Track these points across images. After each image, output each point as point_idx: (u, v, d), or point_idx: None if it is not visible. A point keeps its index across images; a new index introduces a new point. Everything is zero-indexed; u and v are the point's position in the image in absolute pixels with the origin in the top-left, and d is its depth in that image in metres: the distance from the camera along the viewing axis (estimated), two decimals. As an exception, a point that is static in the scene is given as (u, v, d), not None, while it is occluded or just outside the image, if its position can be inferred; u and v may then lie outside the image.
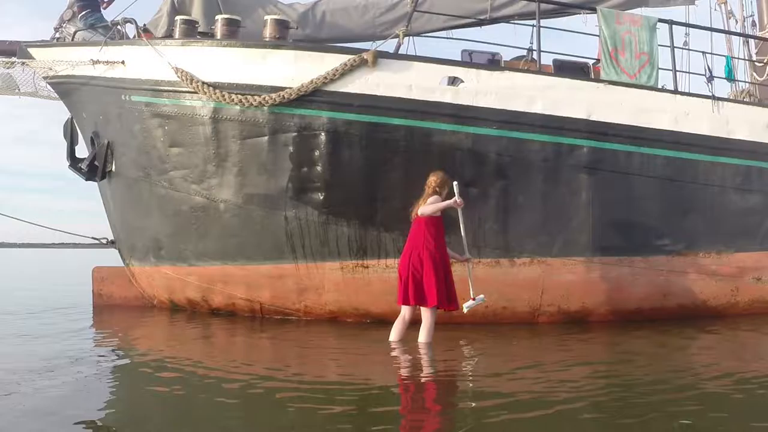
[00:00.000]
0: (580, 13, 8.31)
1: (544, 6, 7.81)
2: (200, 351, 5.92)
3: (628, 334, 6.71)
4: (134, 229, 8.39)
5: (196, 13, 7.95)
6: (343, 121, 6.96)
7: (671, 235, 7.57)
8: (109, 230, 9.16)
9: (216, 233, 7.52)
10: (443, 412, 3.89)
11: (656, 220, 7.55)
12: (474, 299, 6.07)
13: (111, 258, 9.78)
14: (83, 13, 8.09)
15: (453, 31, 8.72)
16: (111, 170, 8.16)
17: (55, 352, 5.44)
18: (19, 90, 8.38)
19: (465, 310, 6.00)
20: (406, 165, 6.91)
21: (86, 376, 4.57)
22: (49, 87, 8.43)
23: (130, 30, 7.69)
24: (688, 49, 9.41)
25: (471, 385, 4.65)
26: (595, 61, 8.04)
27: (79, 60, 7.60)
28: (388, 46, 7.44)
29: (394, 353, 5.57)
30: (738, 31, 10.70)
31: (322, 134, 6.98)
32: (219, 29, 7.29)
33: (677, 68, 7.98)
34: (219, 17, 7.37)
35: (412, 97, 6.92)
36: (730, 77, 8.87)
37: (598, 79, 7.52)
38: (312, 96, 6.90)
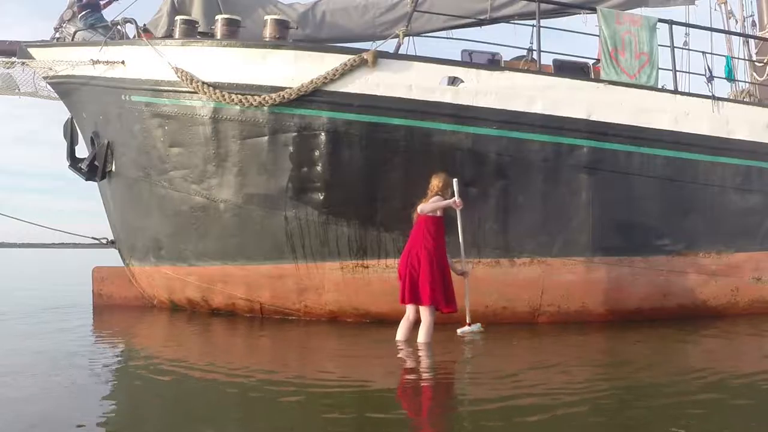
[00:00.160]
0: (580, 13, 8.31)
1: (544, 6, 7.81)
2: (200, 351, 5.92)
3: (628, 334, 6.70)
4: (134, 229, 8.39)
5: (196, 13, 7.95)
6: (343, 121, 6.96)
7: (671, 235, 7.57)
8: (109, 230, 9.18)
9: (216, 233, 7.52)
10: (442, 414, 3.89)
11: (656, 220, 7.55)
12: (470, 325, 6.08)
13: (111, 258, 9.78)
14: (83, 13, 8.10)
15: (453, 31, 8.72)
16: (111, 170, 8.17)
17: (55, 353, 5.44)
18: (19, 90, 8.38)
19: (459, 333, 6.07)
20: (406, 165, 6.91)
21: (86, 377, 4.56)
22: (49, 87, 8.43)
23: (130, 30, 7.70)
24: (688, 49, 9.40)
25: (470, 387, 4.64)
26: (595, 61, 8.04)
27: (79, 60, 7.60)
28: (388, 46, 7.46)
29: (394, 353, 5.57)
30: (738, 31, 10.70)
31: (322, 134, 6.98)
32: (219, 29, 7.29)
33: (677, 68, 7.98)
34: (219, 17, 7.37)
35: (412, 97, 6.92)
36: (730, 77, 8.87)
37: (598, 79, 7.52)
38: (312, 96, 6.90)
